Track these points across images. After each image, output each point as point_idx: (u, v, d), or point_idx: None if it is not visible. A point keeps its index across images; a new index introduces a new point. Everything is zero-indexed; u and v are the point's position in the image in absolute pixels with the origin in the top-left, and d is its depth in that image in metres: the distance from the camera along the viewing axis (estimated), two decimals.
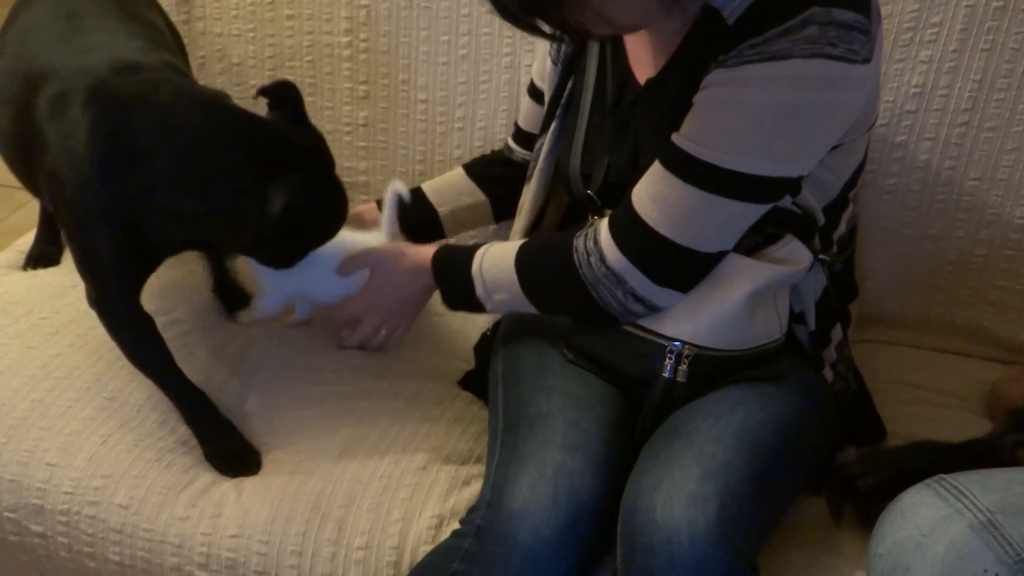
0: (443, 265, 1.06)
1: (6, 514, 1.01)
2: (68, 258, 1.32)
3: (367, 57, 1.39)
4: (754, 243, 0.95)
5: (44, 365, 1.11)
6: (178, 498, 0.99)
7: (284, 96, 1.02)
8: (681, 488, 0.82)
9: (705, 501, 0.81)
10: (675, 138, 0.89)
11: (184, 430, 1.06)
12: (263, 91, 1.02)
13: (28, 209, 2.26)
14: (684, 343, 0.94)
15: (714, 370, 0.95)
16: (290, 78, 1.46)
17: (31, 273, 1.29)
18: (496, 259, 1.01)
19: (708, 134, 0.87)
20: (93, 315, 1.19)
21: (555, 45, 1.10)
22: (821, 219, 0.98)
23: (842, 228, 1.04)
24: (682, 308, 0.94)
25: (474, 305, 1.04)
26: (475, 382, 1.17)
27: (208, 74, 1.47)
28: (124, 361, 1.13)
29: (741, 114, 0.85)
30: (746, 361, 0.96)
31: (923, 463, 0.89)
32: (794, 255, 0.96)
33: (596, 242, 0.93)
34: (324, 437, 1.06)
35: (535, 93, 1.17)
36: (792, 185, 0.90)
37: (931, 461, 0.90)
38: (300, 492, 1.00)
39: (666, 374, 0.95)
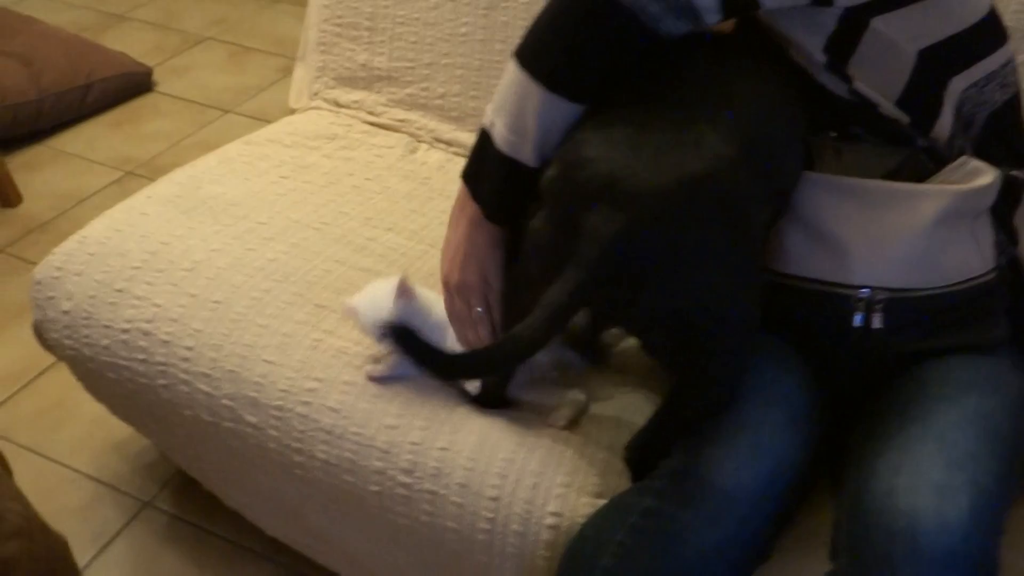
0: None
1: (224, 401, 1.02)
2: (274, 167, 1.33)
3: None
4: (925, 169, 0.87)
5: (262, 267, 1.12)
6: (387, 407, 0.98)
7: None
8: (925, 475, 0.76)
9: (954, 492, 0.74)
10: None
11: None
12: None
13: (215, 126, 2.31)
14: (873, 288, 0.85)
15: (915, 314, 0.86)
16: (502, 19, 1.45)
17: (244, 177, 1.30)
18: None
19: None
20: (304, 224, 1.20)
21: None
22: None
23: None
24: (865, 250, 0.85)
25: (490, 154, 0.86)
26: None
27: (423, 8, 1.45)
28: (336, 274, 1.13)
29: None
30: (951, 301, 0.87)
31: None
32: (976, 173, 0.86)
33: None
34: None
35: None
36: None
37: None
38: (508, 426, 0.97)
39: (856, 323, 0.87)
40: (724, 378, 0.83)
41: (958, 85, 0.87)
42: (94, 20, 2.77)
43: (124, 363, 1.07)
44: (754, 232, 0.79)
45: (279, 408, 1.00)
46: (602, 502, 0.92)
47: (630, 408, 1.02)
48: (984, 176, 0.86)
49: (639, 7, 0.78)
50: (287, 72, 2.59)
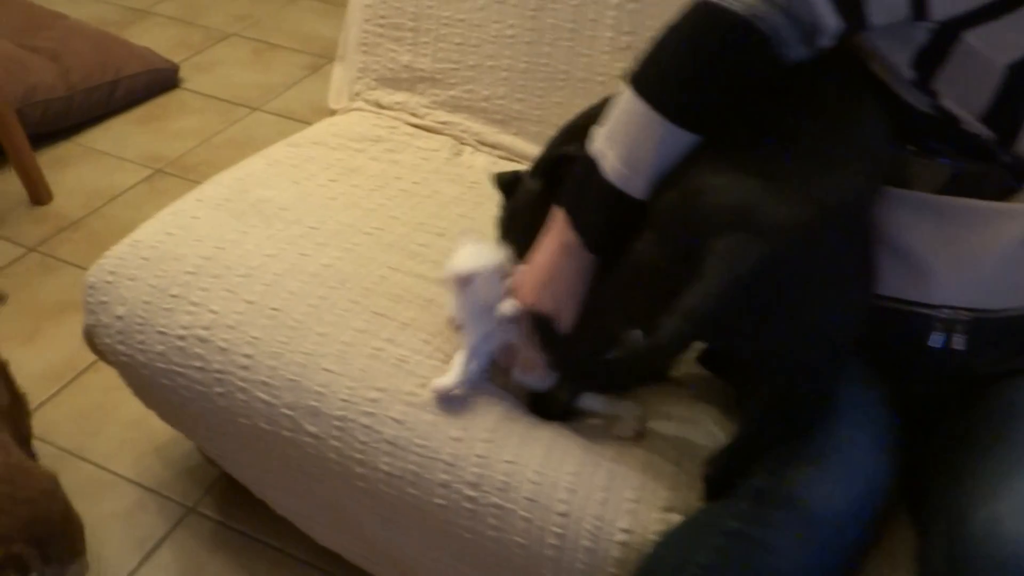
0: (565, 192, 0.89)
1: (284, 410, 1.00)
2: (322, 170, 1.31)
3: (636, 7, 1.32)
4: (1007, 185, 0.84)
5: (317, 274, 1.09)
6: (451, 419, 0.96)
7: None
8: None
9: None
10: None
11: (445, 352, 1.03)
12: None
13: (243, 124, 2.29)
14: (954, 309, 0.83)
15: (997, 334, 0.84)
16: (550, 21, 1.43)
17: (293, 180, 1.28)
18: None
19: None
20: (356, 228, 1.18)
21: None
22: None
23: None
24: (946, 269, 0.83)
25: (597, 184, 0.83)
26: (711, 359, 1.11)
27: (469, 9, 1.43)
28: (391, 280, 1.11)
29: None
30: None
31: None
32: None
33: None
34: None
35: None
36: None
37: None
38: (573, 437, 0.96)
39: (936, 345, 0.85)
40: (819, 398, 0.82)
41: None
42: (117, 15, 2.74)
43: (180, 370, 1.05)
44: (872, 257, 0.78)
45: (341, 419, 0.98)
46: (673, 517, 0.90)
47: (691, 421, 1.01)
48: None
49: (774, 31, 0.76)
50: (313, 70, 2.57)
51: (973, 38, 0.80)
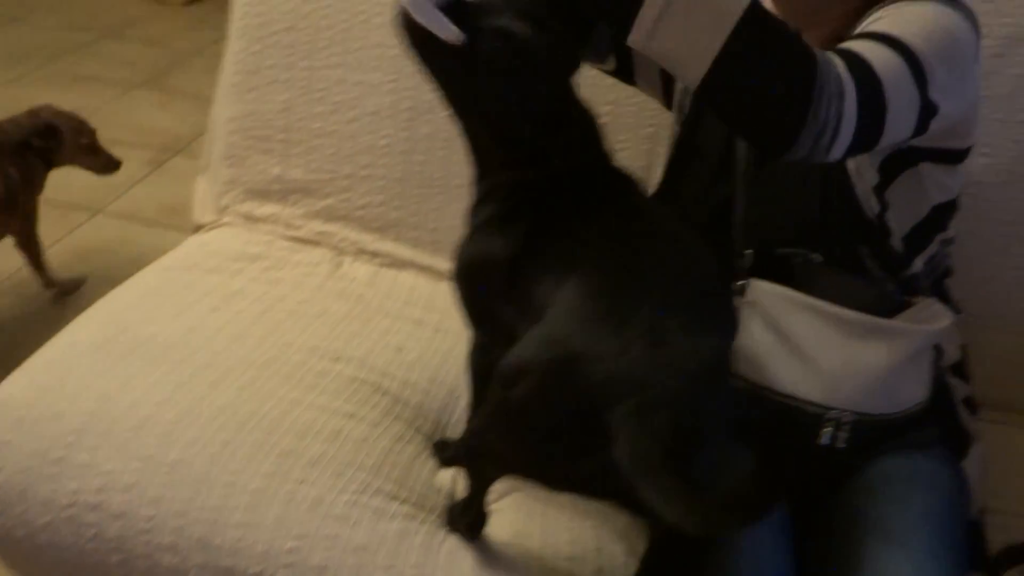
0: None
1: (193, 573, 0.95)
2: (202, 297, 1.27)
3: None
4: (898, 302, 0.97)
5: (214, 417, 1.06)
6: (374, 559, 0.95)
7: None
8: None
9: None
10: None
11: (358, 484, 1.02)
12: None
13: (85, 230, 2.16)
14: (843, 410, 0.94)
15: (873, 434, 0.96)
16: (424, 131, 1.46)
17: (174, 313, 1.23)
18: None
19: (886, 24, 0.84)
20: (252, 363, 1.16)
21: None
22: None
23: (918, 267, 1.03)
24: (840, 374, 0.94)
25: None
26: None
27: (340, 121, 1.44)
28: (293, 415, 1.09)
29: (907, 14, 0.84)
30: (900, 424, 0.97)
31: None
32: (938, 315, 0.98)
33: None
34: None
35: None
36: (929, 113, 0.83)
37: None
38: (492, 564, 0.97)
39: (824, 441, 0.95)
40: None
41: (937, 239, 1.00)
42: None
43: (69, 542, 0.98)
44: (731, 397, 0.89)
45: (258, 574, 0.95)
46: None
47: (605, 537, 1.05)
48: (944, 319, 0.97)
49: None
50: (156, 165, 2.47)
51: (926, 170, 0.93)
